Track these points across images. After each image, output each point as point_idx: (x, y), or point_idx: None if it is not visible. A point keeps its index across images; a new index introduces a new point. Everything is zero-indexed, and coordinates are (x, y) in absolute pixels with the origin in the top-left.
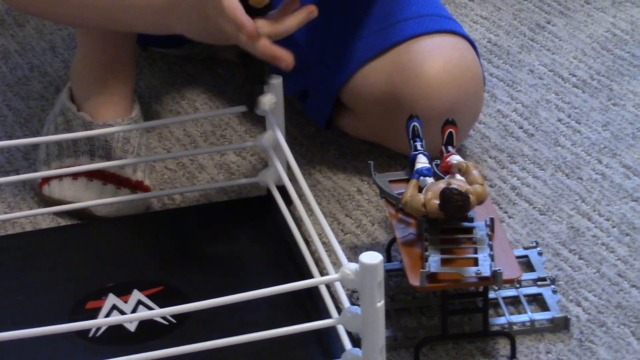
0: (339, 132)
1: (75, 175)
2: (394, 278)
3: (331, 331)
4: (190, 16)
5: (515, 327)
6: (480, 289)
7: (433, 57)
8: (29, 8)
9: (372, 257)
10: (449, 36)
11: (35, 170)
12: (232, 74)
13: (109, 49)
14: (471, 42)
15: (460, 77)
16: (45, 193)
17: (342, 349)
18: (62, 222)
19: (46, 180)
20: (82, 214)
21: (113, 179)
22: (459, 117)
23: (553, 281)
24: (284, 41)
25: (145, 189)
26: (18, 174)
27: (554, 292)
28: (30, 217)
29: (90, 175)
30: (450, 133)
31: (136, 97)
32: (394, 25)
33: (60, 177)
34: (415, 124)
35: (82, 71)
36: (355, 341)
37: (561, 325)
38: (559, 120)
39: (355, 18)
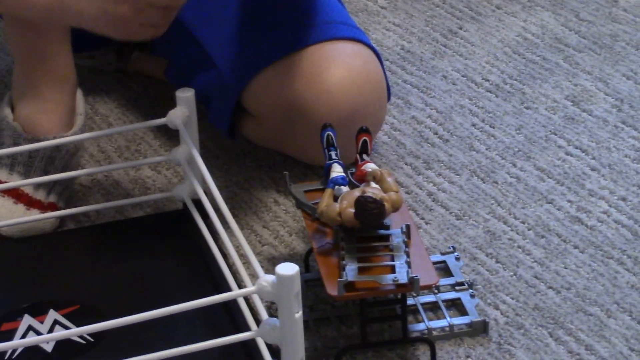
0: (254, 143)
1: None
2: (313, 288)
3: (250, 344)
4: (81, 6)
5: (434, 333)
6: (399, 296)
7: (335, 64)
8: None
9: (289, 269)
10: (352, 43)
11: None
12: (145, 88)
13: (40, 50)
14: (375, 50)
15: (362, 85)
16: None
17: None
18: None
19: None
20: None
21: (25, 199)
22: (361, 125)
23: (471, 285)
24: (182, 37)
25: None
26: None
27: (472, 296)
28: None
29: (4, 191)
30: (365, 141)
31: (82, 110)
32: (297, 31)
33: None
34: (330, 133)
35: (18, 78)
36: (275, 352)
37: (480, 329)
38: (473, 125)
39: (257, 21)
